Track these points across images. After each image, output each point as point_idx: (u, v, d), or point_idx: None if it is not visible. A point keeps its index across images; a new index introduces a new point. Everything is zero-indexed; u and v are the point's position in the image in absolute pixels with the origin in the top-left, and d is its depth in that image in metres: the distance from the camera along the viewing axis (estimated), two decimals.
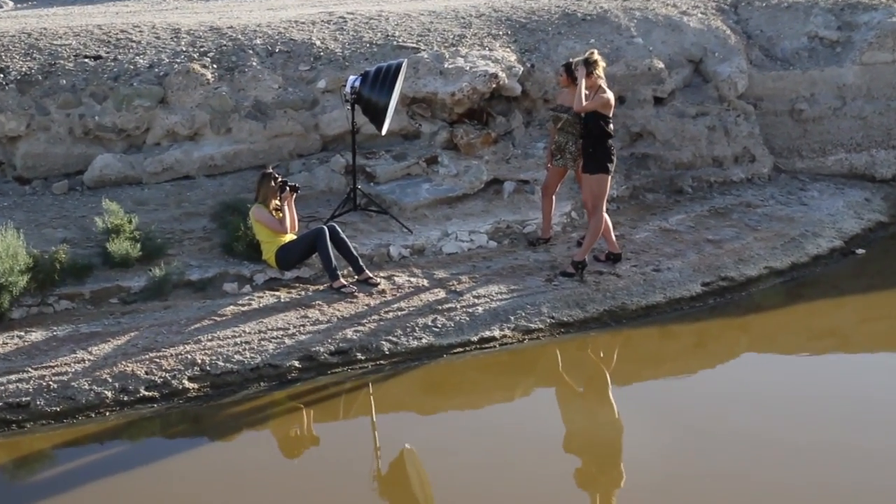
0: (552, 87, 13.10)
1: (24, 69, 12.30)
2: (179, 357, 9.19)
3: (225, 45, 13.06)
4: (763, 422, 8.52)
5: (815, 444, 8.25)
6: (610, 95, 10.68)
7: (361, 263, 10.52)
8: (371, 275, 10.51)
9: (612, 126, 10.79)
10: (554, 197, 11.52)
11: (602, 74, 10.74)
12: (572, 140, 11.06)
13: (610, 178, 10.83)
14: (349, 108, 11.44)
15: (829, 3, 15.39)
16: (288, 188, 10.55)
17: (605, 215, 10.96)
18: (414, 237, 11.42)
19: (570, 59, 11.42)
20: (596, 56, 10.71)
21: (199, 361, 9.16)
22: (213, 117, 12.42)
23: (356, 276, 10.50)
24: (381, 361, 9.56)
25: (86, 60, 12.58)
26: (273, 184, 10.46)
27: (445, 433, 8.63)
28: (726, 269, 11.44)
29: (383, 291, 10.37)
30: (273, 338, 9.54)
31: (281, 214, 10.53)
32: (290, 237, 10.51)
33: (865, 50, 14.66)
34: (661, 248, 11.72)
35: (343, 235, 10.49)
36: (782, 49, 14.99)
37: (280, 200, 10.53)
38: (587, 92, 10.65)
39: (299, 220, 10.86)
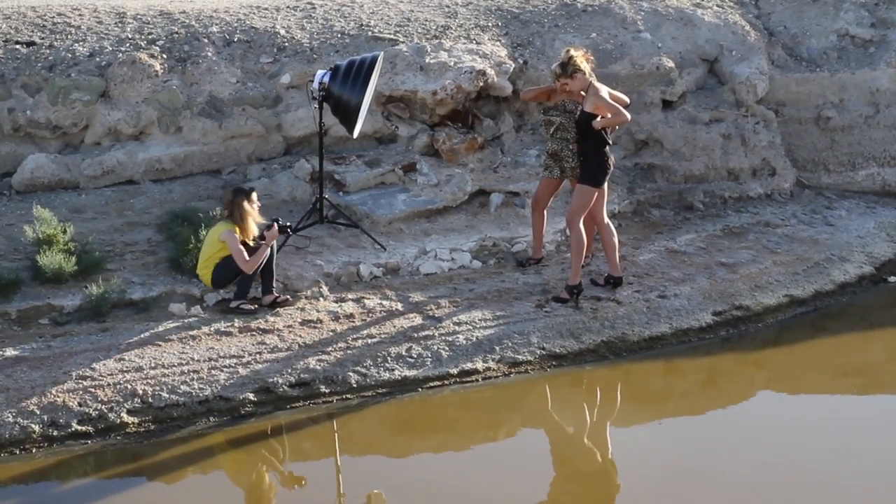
0: None
1: None
2: (118, 387, 9.20)
3: (176, 33, 13.11)
4: (780, 472, 8.59)
5: (839, 495, 8.32)
6: (604, 90, 10.70)
7: (273, 285, 10.54)
8: (277, 295, 10.54)
9: (609, 130, 10.86)
10: (546, 212, 11.59)
11: (587, 69, 10.75)
12: (568, 148, 11.10)
13: (597, 192, 10.83)
14: (316, 106, 11.47)
15: None
16: (277, 227, 10.41)
17: (613, 231, 11.10)
18: (387, 255, 11.47)
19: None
20: (572, 52, 10.76)
21: (141, 392, 9.17)
22: (162, 114, 12.47)
23: (262, 296, 10.53)
24: (348, 395, 9.60)
25: (17, 47, 12.62)
26: (250, 202, 10.32)
27: (419, 477, 8.67)
28: (741, 296, 11.52)
29: (351, 316, 10.41)
30: (225, 367, 9.57)
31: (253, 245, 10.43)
32: (224, 252, 10.42)
33: None
34: (668, 271, 11.81)
35: (275, 250, 10.52)
36: (808, 48, 15.13)
37: (266, 238, 10.39)
38: (582, 93, 10.77)
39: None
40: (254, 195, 10.43)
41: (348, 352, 9.93)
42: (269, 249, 10.37)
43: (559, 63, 10.78)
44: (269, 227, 10.40)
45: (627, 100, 11.09)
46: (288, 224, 10.68)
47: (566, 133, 11.05)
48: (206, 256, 10.38)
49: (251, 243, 10.32)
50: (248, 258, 10.24)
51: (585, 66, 10.71)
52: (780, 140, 14.23)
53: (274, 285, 10.53)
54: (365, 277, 11.16)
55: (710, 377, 10.53)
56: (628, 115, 10.69)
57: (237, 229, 10.26)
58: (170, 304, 10.34)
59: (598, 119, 10.51)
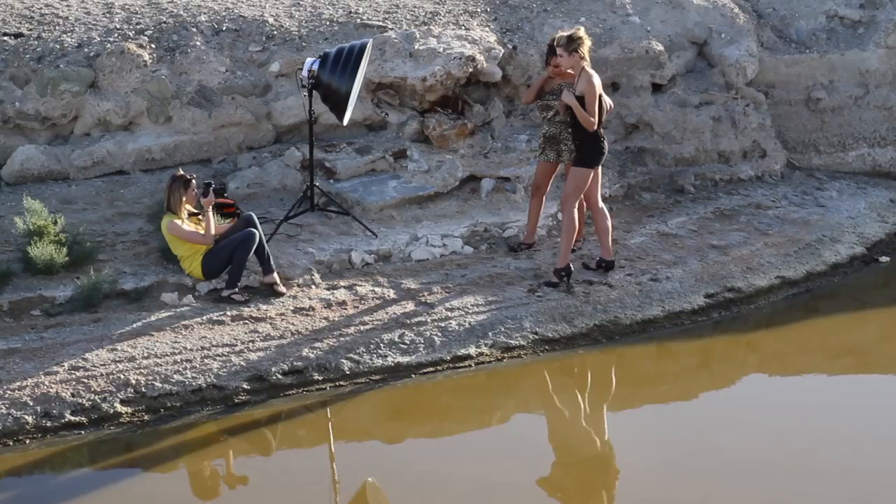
0: (536, 72, 13.14)
1: None
2: (111, 377, 9.20)
3: (165, 22, 13.08)
4: (774, 453, 8.60)
5: (833, 476, 8.34)
6: (597, 80, 10.69)
7: (272, 264, 10.53)
8: (277, 280, 10.53)
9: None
10: (544, 197, 11.58)
11: (587, 55, 10.74)
12: (567, 131, 11.06)
13: (593, 173, 10.82)
14: (306, 94, 11.46)
15: None
16: (212, 191, 10.48)
17: (606, 214, 11.10)
18: (379, 241, 11.47)
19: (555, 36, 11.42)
20: (582, 33, 10.74)
21: (133, 382, 9.17)
22: (151, 104, 12.44)
23: (261, 277, 10.51)
24: (341, 382, 9.61)
25: (5, 38, 12.59)
26: (186, 190, 10.37)
27: (413, 464, 8.68)
28: (733, 278, 11.54)
29: (343, 303, 10.41)
30: (218, 355, 9.57)
31: (200, 222, 10.45)
32: (197, 246, 10.39)
33: (892, 31, 14.79)
34: (660, 254, 11.81)
35: (263, 236, 10.49)
36: (797, 30, 15.12)
37: (202, 206, 10.45)
38: (571, 72, 10.76)
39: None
40: (192, 182, 10.44)
41: (341, 339, 9.93)
42: (212, 213, 10.38)
43: (567, 35, 10.69)
44: (205, 194, 10.44)
45: (612, 103, 11.02)
46: (223, 186, 10.65)
47: (564, 116, 11.02)
48: (181, 255, 10.37)
49: (196, 224, 10.41)
50: (201, 233, 10.30)
51: (586, 54, 10.69)
52: (771, 122, 14.23)
53: (273, 265, 10.49)
54: (357, 264, 11.16)
55: (702, 359, 10.54)
56: (595, 124, 10.60)
57: (176, 217, 10.32)
58: (161, 294, 10.34)
59: (567, 94, 10.49)
